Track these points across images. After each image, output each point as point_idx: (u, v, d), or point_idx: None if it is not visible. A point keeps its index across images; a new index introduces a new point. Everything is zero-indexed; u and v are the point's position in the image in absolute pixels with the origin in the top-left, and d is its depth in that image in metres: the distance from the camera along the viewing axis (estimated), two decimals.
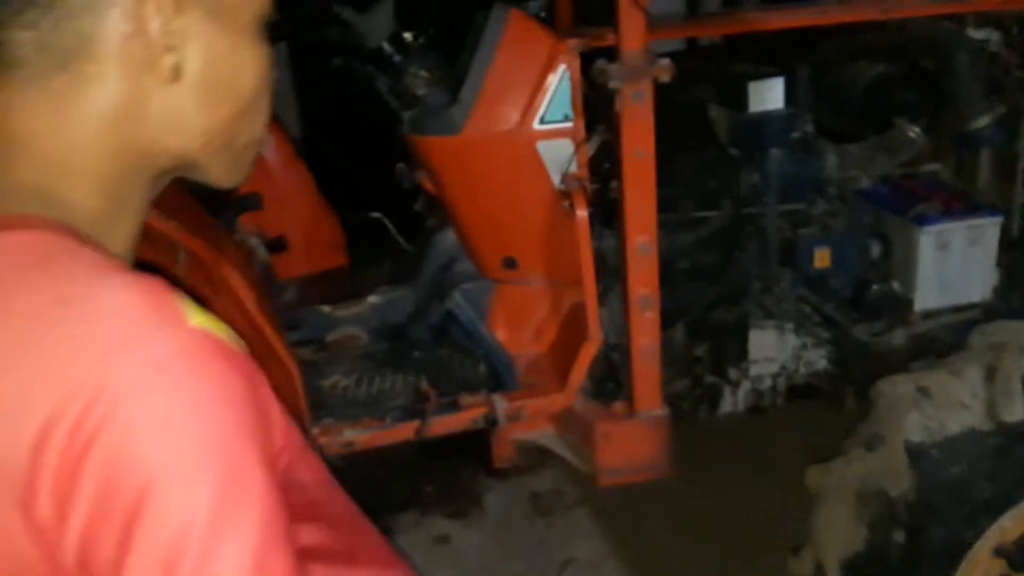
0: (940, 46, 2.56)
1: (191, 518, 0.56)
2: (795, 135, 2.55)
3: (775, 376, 2.95)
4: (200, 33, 0.72)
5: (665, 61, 2.13)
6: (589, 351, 2.40)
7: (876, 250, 2.69)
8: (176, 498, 0.56)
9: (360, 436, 2.32)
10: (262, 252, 3.35)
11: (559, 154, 2.39)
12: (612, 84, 2.14)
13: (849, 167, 2.69)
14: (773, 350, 2.90)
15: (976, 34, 2.63)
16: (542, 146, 2.41)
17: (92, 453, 0.55)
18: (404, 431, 2.35)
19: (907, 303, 2.76)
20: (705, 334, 2.77)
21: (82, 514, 0.56)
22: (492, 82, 2.41)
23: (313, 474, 0.81)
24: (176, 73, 0.72)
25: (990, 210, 2.69)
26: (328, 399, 2.49)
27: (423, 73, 2.51)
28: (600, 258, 2.46)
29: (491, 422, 2.39)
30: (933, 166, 3.00)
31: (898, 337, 2.79)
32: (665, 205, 2.56)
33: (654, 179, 2.26)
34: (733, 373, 2.84)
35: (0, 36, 0.68)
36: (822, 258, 2.66)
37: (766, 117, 2.44)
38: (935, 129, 2.70)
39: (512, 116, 2.41)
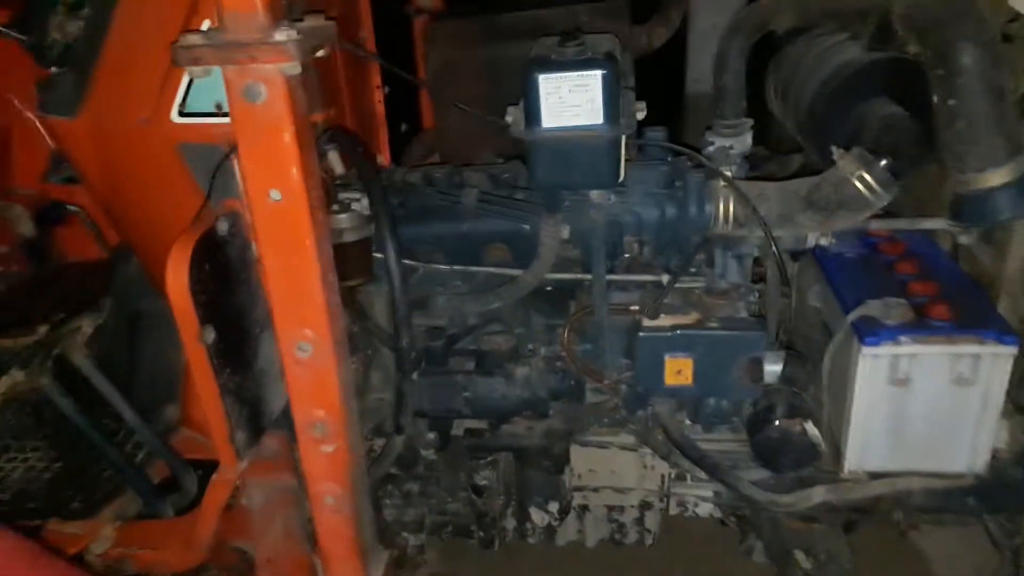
0: (932, 24, 1.37)
1: None
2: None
3: (641, 508, 1.95)
4: None
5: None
6: (218, 491, 1.50)
7: (772, 369, 1.59)
8: None
9: None
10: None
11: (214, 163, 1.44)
12: (191, 68, 1.16)
13: (747, 221, 1.58)
14: (630, 478, 1.89)
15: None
16: (187, 149, 1.47)
17: None
18: None
19: (834, 455, 1.68)
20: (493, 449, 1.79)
21: None
22: (115, 43, 1.48)
23: None
24: None
25: (997, 328, 1.51)
26: None
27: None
28: None
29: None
30: (940, 222, 1.81)
31: (819, 496, 1.71)
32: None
33: (311, 236, 1.28)
34: (539, 514, 1.86)
35: None
36: (678, 371, 1.59)
37: (569, 142, 1.37)
38: (919, 176, 1.52)
39: (142, 100, 1.47)
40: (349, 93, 2.00)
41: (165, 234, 1.42)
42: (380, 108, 2.24)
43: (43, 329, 1.61)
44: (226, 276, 1.41)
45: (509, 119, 1.48)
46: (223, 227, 1.40)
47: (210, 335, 1.34)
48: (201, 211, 1.42)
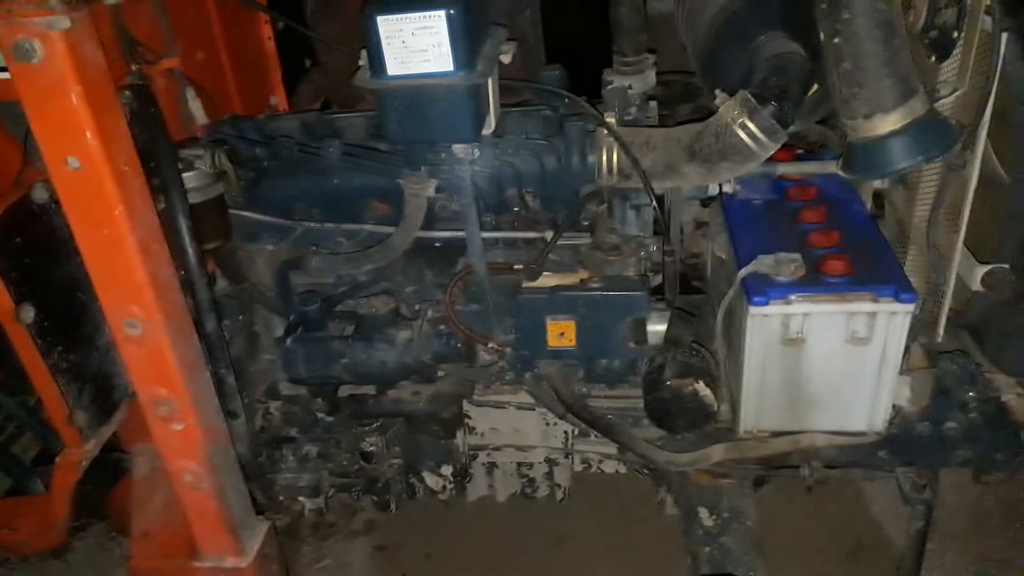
0: None
1: None
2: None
3: (549, 463, 1.89)
4: None
5: None
6: (65, 474, 1.43)
7: (656, 330, 1.49)
8: None
9: None
10: None
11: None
12: None
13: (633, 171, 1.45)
14: (533, 436, 1.83)
15: None
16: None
17: None
18: None
19: (731, 418, 1.61)
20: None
21: None
22: None
23: None
24: None
25: (894, 284, 1.41)
26: None
27: None
28: None
29: None
30: None
31: (717, 455, 1.65)
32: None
33: (121, 205, 1.16)
34: (433, 478, 1.80)
35: None
36: (560, 333, 1.50)
37: (419, 91, 1.24)
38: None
39: None
40: (224, 32, 1.84)
41: None
42: (270, 45, 2.08)
43: None
44: (51, 248, 1.29)
45: (361, 62, 1.34)
46: (42, 194, 1.28)
47: (29, 314, 1.24)
48: (17, 177, 1.29)
